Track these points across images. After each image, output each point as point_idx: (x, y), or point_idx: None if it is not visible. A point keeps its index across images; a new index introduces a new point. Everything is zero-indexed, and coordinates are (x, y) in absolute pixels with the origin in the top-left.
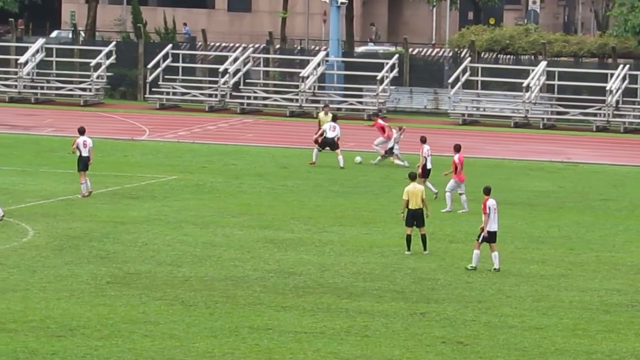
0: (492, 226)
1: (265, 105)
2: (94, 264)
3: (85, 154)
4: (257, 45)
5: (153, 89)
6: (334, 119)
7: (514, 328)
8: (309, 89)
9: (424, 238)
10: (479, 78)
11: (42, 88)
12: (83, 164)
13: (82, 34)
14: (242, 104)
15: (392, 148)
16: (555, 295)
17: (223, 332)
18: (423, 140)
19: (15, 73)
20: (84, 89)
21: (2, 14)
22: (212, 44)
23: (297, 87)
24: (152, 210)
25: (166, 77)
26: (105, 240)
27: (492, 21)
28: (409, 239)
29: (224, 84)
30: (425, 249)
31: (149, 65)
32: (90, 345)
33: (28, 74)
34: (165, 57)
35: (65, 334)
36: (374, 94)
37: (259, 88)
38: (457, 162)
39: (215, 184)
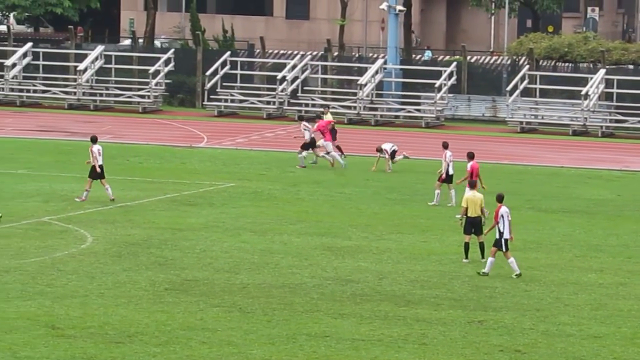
0: (506, 234)
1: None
2: (152, 270)
3: (100, 162)
4: (315, 53)
5: (211, 96)
6: (306, 119)
7: (572, 337)
8: (367, 96)
9: (482, 246)
10: (537, 86)
11: (101, 95)
12: (99, 172)
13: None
14: (300, 111)
15: (394, 152)
16: (614, 304)
17: (280, 339)
18: (445, 146)
19: (75, 80)
20: (142, 96)
21: (62, 21)
22: (270, 51)
23: (355, 94)
24: (210, 217)
25: (224, 84)
26: (163, 247)
27: (550, 29)
28: (467, 246)
29: (281, 91)
30: (483, 257)
31: (208, 73)
32: (148, 352)
33: (87, 81)
34: (223, 65)
35: (124, 340)
36: (432, 101)
37: (317, 95)
38: (469, 170)
39: (273, 191)
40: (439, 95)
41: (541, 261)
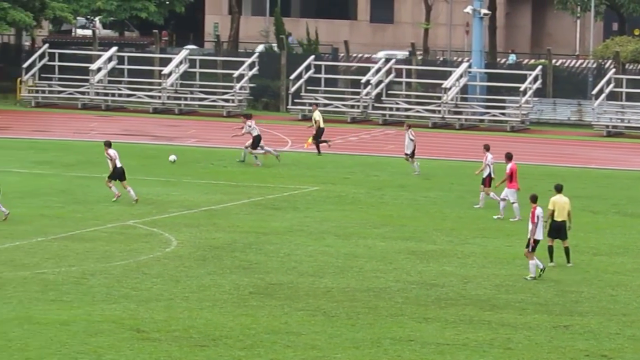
0: (538, 235)
1: (408, 117)
2: (236, 274)
3: (119, 164)
4: (399, 57)
5: (295, 100)
6: (250, 117)
7: None
8: (451, 100)
9: (567, 250)
10: (624, 89)
11: (185, 99)
12: (120, 174)
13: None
14: (384, 115)
15: (413, 151)
16: None
17: (365, 343)
18: (487, 148)
19: (159, 84)
20: (226, 100)
21: (147, 25)
22: (354, 55)
23: (439, 98)
24: (294, 221)
25: (308, 88)
26: (247, 250)
27: (636, 32)
28: (551, 250)
29: (366, 95)
30: (568, 262)
31: (292, 77)
32: (233, 355)
33: (172, 85)
34: (307, 68)
35: (208, 343)
36: (517, 105)
37: (401, 99)
38: (508, 171)
39: (357, 195)
40: (524, 99)
41: (627, 266)
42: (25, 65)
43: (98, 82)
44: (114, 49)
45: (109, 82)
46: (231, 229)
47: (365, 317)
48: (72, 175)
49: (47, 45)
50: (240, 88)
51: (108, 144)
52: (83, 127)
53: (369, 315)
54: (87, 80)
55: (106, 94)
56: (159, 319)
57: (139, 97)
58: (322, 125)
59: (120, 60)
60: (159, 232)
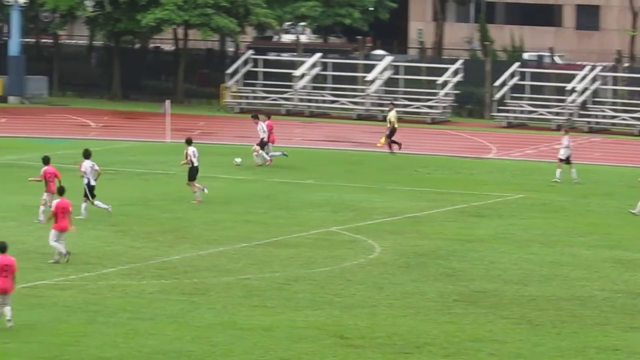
0: None
1: (614, 124)
2: (440, 281)
3: (196, 163)
4: (605, 64)
5: (500, 107)
6: (262, 119)
7: None
8: None
9: None
10: None
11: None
12: (195, 173)
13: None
14: (589, 122)
15: (568, 157)
16: None
17: (570, 352)
18: None
19: (363, 90)
20: (430, 107)
21: (351, 31)
22: (559, 62)
23: None
24: (499, 228)
25: (513, 95)
26: (451, 258)
27: None
28: None
29: (571, 102)
30: None
31: (496, 83)
32: None
33: (375, 92)
34: (512, 75)
35: (412, 351)
36: None
37: (607, 107)
38: None
39: (563, 203)
40: None
41: None
42: (229, 71)
43: (302, 88)
44: (318, 55)
45: (313, 88)
46: (435, 236)
47: (570, 326)
48: (274, 180)
49: (251, 51)
50: (445, 95)
51: (189, 142)
52: (287, 133)
53: (574, 323)
54: (290, 87)
55: (310, 100)
56: (363, 325)
57: (343, 104)
58: (396, 125)
59: (324, 66)
60: (363, 239)
